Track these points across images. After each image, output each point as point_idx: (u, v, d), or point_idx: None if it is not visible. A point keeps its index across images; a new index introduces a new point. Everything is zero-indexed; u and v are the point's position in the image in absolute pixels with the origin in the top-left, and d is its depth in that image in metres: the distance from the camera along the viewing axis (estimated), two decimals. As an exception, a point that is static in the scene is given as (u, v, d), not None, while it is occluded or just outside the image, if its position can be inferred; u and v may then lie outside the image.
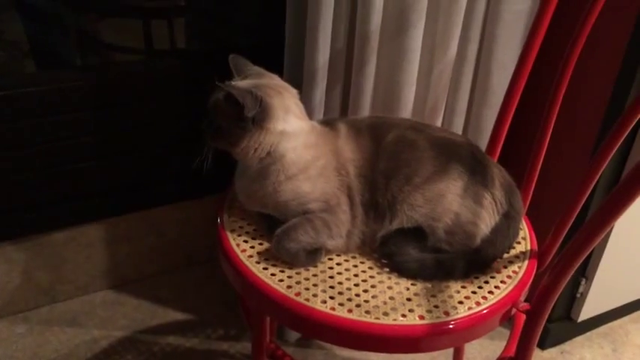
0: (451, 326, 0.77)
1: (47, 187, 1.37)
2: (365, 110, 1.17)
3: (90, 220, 1.45)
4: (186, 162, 1.41)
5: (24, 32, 1.39)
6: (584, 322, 1.51)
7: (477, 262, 0.87)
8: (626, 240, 1.38)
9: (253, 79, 0.91)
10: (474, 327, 0.79)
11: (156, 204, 1.52)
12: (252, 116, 0.84)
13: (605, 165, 0.82)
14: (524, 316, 0.88)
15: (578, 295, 1.46)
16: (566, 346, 1.51)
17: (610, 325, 1.58)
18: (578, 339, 1.53)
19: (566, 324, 1.50)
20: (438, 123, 1.28)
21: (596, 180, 0.84)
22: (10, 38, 1.42)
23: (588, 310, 1.49)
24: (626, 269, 1.47)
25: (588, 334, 1.55)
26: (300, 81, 1.14)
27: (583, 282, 1.43)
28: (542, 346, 1.48)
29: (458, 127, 1.30)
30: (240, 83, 0.89)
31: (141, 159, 1.46)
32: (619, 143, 0.80)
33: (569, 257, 0.77)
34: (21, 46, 1.42)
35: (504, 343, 1.00)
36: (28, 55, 1.44)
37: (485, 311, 0.80)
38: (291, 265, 0.86)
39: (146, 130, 1.44)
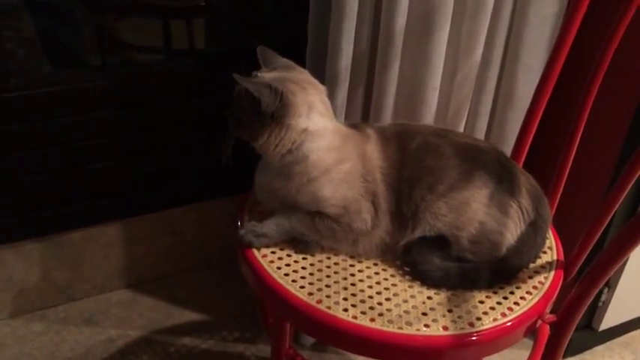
0: (475, 338, 0.75)
1: (65, 187, 1.37)
2: (387, 113, 1.16)
3: (107, 220, 1.44)
4: (204, 163, 1.41)
5: (42, 31, 1.39)
6: (605, 331, 1.48)
7: (503, 272, 0.85)
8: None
9: (279, 72, 0.89)
10: (498, 339, 0.78)
11: (173, 205, 1.51)
12: (271, 111, 0.83)
13: (637, 173, 0.80)
14: (548, 328, 0.86)
15: (600, 304, 1.43)
16: (587, 355, 1.48)
17: (631, 334, 1.55)
18: (599, 348, 1.50)
19: (586, 333, 1.48)
20: (461, 127, 1.26)
21: (627, 188, 0.82)
22: (28, 36, 1.42)
23: (610, 319, 1.46)
24: (650, 278, 1.44)
25: (609, 343, 1.52)
26: (321, 83, 1.12)
27: (605, 291, 1.40)
28: (563, 355, 1.45)
29: (481, 131, 1.28)
30: (266, 76, 0.88)
31: (158, 159, 1.45)
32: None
33: (599, 270, 0.75)
34: (39, 45, 1.42)
35: (524, 352, 0.99)
36: (46, 54, 1.44)
37: (510, 323, 0.78)
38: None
39: (164, 131, 1.43)
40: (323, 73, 1.12)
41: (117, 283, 1.53)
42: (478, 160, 0.89)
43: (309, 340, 1.39)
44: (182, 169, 1.49)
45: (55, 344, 1.37)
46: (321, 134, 0.86)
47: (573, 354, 1.47)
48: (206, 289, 1.57)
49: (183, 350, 1.38)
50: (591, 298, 0.78)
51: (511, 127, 1.26)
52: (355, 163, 0.88)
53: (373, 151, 0.90)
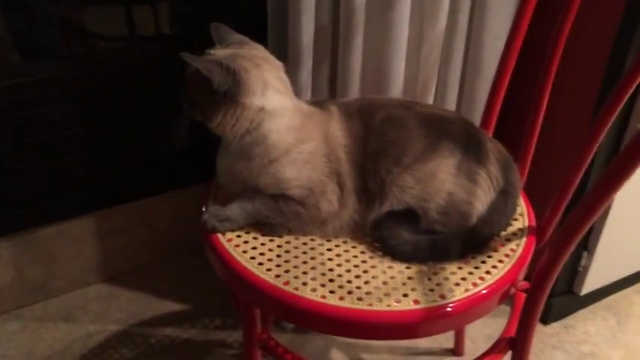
0: (448, 309, 0.74)
1: (33, 182, 1.34)
2: (354, 89, 1.13)
3: (79, 214, 1.42)
4: (175, 151, 1.38)
5: (6, 22, 1.35)
6: (587, 295, 1.48)
7: (474, 241, 0.84)
8: (628, 210, 1.34)
9: (232, 49, 0.86)
10: (471, 309, 0.76)
11: (145, 195, 1.48)
12: (224, 90, 0.80)
13: (603, 133, 0.79)
14: (524, 295, 0.85)
15: (580, 269, 1.43)
16: (570, 320, 1.48)
17: (613, 297, 1.55)
18: (582, 312, 1.51)
19: (568, 298, 1.48)
20: (430, 99, 1.24)
21: (594, 150, 0.80)
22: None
23: (591, 284, 1.46)
24: (629, 240, 1.44)
25: (592, 307, 1.52)
26: (285, 61, 1.09)
27: (585, 255, 1.40)
28: (545, 321, 1.45)
29: (451, 103, 1.26)
30: (217, 53, 0.85)
31: (128, 149, 1.42)
32: (618, 109, 0.76)
33: (569, 232, 0.74)
34: (5, 40, 1.38)
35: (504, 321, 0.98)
36: (12, 49, 1.40)
37: (483, 292, 0.77)
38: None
39: (132, 119, 1.40)
40: (286, 52, 1.10)
41: (93, 278, 1.51)
42: (444, 130, 0.87)
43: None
44: (153, 158, 1.46)
45: (32, 343, 1.34)
46: (279, 113, 0.84)
47: (556, 319, 1.47)
48: (185, 278, 1.55)
49: (165, 341, 1.37)
50: (563, 262, 0.77)
51: (480, 97, 1.24)
52: (318, 143, 0.86)
53: (337, 129, 0.88)
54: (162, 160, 1.47)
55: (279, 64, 0.88)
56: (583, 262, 1.41)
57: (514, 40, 0.97)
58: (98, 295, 1.49)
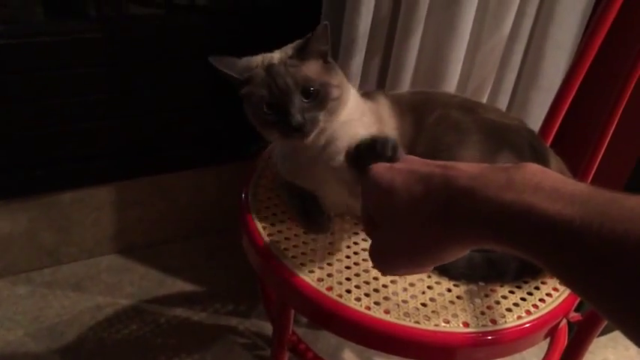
0: (498, 337, 0.69)
1: (56, 145, 1.28)
2: (405, 86, 1.08)
3: (99, 182, 1.37)
4: (202, 127, 1.32)
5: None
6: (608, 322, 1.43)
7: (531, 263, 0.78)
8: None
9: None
10: (522, 339, 0.71)
11: (168, 169, 1.43)
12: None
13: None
14: (566, 325, 0.81)
15: (607, 295, 1.38)
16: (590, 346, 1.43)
17: (636, 326, 1.51)
18: (602, 339, 1.46)
19: (591, 323, 1.43)
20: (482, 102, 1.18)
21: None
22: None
23: (615, 310, 1.41)
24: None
25: (612, 334, 1.47)
26: (336, 49, 1.04)
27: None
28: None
29: (501, 107, 1.20)
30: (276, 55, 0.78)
31: (155, 121, 1.37)
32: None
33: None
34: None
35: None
36: (41, 4, 1.34)
37: (536, 322, 0.72)
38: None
39: (162, 91, 1.34)
40: (338, 39, 1.04)
41: (107, 248, 1.46)
42: (504, 139, 0.80)
43: (306, 317, 1.34)
44: (179, 132, 1.41)
45: (40, 309, 1.30)
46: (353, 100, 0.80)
47: (576, 344, 1.42)
48: (199, 258, 1.50)
49: (174, 322, 1.32)
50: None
51: (533, 107, 1.18)
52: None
53: (388, 117, 0.83)
54: (188, 136, 1.42)
55: None
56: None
57: (585, 52, 0.91)
58: (110, 266, 1.44)
